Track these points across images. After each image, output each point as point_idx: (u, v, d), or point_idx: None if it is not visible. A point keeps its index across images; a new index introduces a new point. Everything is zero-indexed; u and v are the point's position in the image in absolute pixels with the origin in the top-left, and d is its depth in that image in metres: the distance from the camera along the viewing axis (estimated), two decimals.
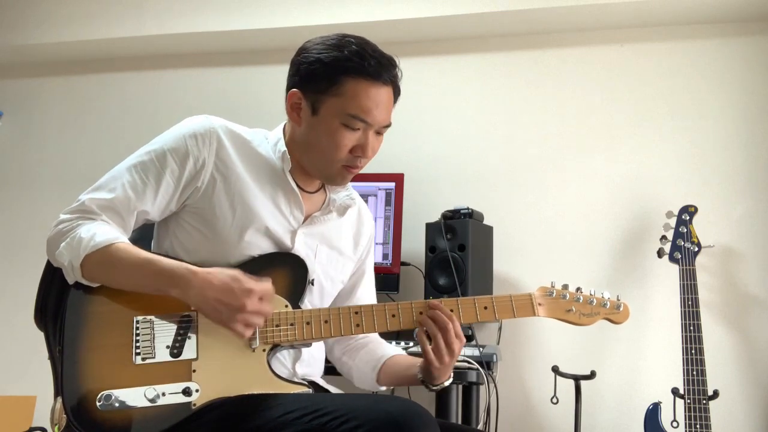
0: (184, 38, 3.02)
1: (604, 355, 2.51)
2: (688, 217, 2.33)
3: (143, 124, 3.13)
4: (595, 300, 1.51)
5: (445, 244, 2.33)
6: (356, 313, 1.46)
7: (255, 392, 1.37)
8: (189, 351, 1.38)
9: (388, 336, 1.76)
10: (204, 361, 1.38)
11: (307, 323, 1.43)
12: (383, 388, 1.68)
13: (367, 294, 1.75)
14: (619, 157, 2.64)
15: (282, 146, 1.54)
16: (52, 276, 1.44)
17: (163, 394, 1.34)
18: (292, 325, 1.43)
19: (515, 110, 2.78)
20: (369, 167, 1.62)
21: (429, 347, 1.44)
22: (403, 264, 2.55)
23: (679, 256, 2.29)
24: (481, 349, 2.13)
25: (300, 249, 1.53)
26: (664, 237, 2.36)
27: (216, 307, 1.33)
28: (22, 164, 3.30)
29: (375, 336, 1.73)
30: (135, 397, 1.32)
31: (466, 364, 2.02)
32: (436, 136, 2.84)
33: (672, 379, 2.22)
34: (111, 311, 1.39)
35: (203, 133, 1.48)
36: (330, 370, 1.73)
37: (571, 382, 2.25)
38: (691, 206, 2.34)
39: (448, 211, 2.40)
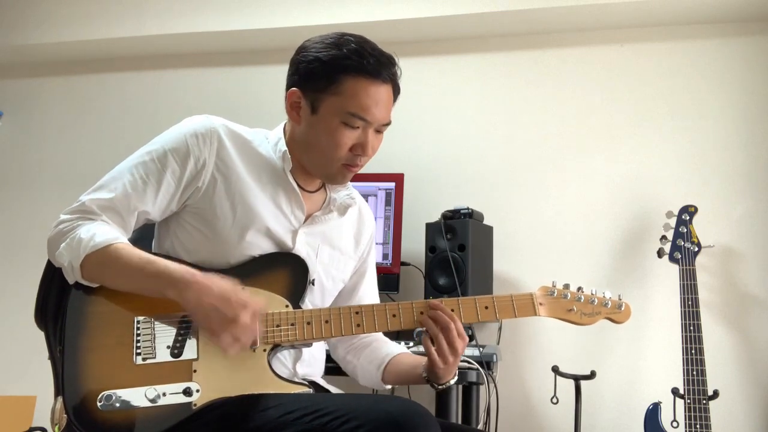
0: (184, 38, 3.02)
1: (604, 355, 2.51)
2: (688, 217, 2.33)
3: (143, 124, 3.13)
4: (596, 299, 1.50)
5: (445, 244, 2.33)
6: (357, 313, 1.45)
7: (255, 392, 1.36)
8: (190, 351, 1.38)
9: (388, 336, 1.76)
10: (204, 361, 1.37)
11: (308, 323, 1.43)
12: (388, 387, 1.68)
13: (369, 292, 1.75)
14: (619, 157, 2.64)
15: (282, 146, 1.54)
16: (52, 276, 1.44)
17: (164, 394, 1.33)
18: (292, 325, 1.42)
19: (515, 110, 2.78)
20: (369, 167, 1.62)
21: (432, 349, 1.44)
22: (403, 264, 2.55)
23: (679, 256, 2.29)
24: (481, 349, 2.13)
25: (301, 249, 1.53)
26: (664, 237, 2.36)
27: (209, 314, 1.32)
28: (22, 164, 3.30)
29: (379, 334, 1.72)
30: (136, 397, 1.32)
31: (466, 364, 2.01)
32: (436, 136, 2.83)
33: (672, 379, 2.22)
34: (111, 311, 1.39)
35: (204, 133, 1.48)
36: (330, 370, 1.73)
37: (571, 382, 2.25)
38: (691, 206, 2.34)
39: (448, 211, 2.40)
